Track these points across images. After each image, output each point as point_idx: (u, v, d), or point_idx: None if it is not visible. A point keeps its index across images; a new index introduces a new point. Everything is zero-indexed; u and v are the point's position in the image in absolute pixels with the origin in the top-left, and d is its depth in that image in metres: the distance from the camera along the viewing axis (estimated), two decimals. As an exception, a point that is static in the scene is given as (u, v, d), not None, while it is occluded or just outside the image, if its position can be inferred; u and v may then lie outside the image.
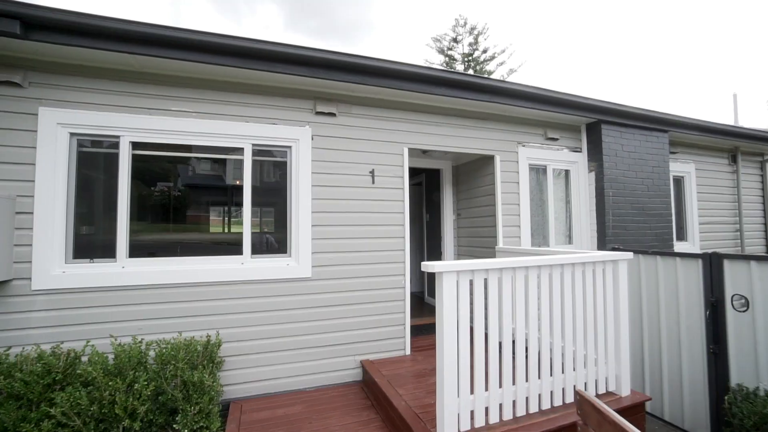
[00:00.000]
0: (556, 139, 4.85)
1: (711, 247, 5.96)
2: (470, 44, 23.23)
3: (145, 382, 2.48)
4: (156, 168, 3.35)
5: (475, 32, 23.03)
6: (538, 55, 46.35)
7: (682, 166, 5.85)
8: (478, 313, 2.34)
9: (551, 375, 2.62)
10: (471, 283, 2.32)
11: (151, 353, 2.80)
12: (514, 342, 2.50)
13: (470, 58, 23.05)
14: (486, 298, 2.38)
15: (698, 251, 5.80)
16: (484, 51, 23.06)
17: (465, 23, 23.11)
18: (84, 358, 2.68)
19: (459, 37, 23.30)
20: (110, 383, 2.39)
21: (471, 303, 2.31)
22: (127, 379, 2.49)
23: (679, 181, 5.94)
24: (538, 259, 2.54)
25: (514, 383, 2.48)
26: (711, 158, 6.17)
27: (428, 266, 2.18)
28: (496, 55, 22.83)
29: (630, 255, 2.89)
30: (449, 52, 23.40)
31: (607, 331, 2.84)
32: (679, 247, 5.56)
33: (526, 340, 2.56)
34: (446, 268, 2.18)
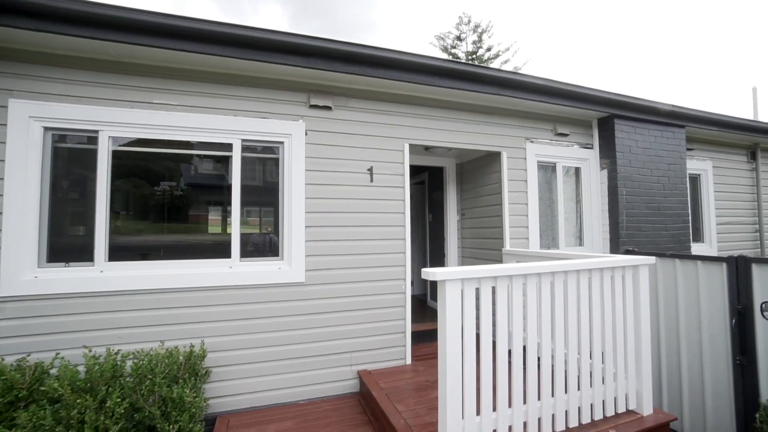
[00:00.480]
0: (566, 135, 4.59)
1: (729, 248, 5.65)
2: (474, 42, 22.94)
3: (119, 399, 2.26)
4: (138, 165, 3.12)
5: (479, 30, 22.73)
6: (544, 52, 45.86)
7: (698, 164, 5.56)
8: (486, 325, 2.09)
9: (566, 392, 2.37)
10: (477, 291, 2.08)
11: (129, 364, 2.58)
12: (524, 355, 2.25)
13: (474, 56, 22.76)
14: (494, 306, 2.13)
15: (715, 253, 5.51)
16: (488, 49, 22.77)
17: (469, 21, 22.82)
18: (54, 371, 2.46)
19: (463, 36, 23.03)
20: (79, 400, 2.17)
21: (477, 310, 2.07)
22: (98, 395, 2.27)
23: (695, 180, 5.65)
24: (551, 265, 2.28)
25: (525, 402, 2.23)
26: (729, 155, 5.86)
27: (430, 274, 1.93)
28: (500, 53, 22.54)
29: (652, 260, 2.63)
30: (453, 51, 23.13)
31: (627, 343, 2.58)
32: (695, 248, 5.27)
33: (539, 355, 2.30)
34: (450, 275, 1.93)
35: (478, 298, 2.08)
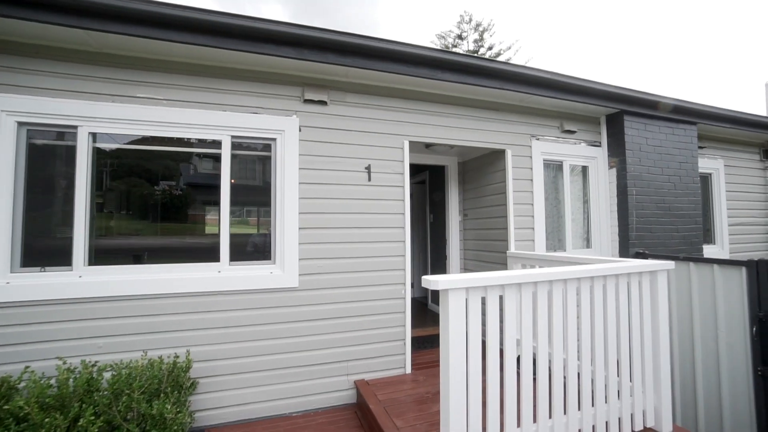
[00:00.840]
0: (573, 132, 4.39)
1: (741, 250, 5.45)
2: (475, 41, 22.77)
3: (92, 417, 2.07)
4: (122, 163, 2.93)
5: (481, 29, 22.57)
6: (546, 51, 45.65)
7: (709, 162, 5.36)
8: (492, 338, 1.91)
9: (579, 409, 2.18)
10: (483, 300, 1.89)
11: (107, 376, 2.39)
12: (534, 368, 2.06)
13: (476, 55, 22.58)
14: (501, 312, 1.95)
15: (727, 255, 5.32)
16: (490, 48, 22.60)
17: (470, 20, 22.65)
18: (24, 385, 2.27)
19: (464, 34, 22.86)
20: (47, 419, 1.98)
21: (484, 316, 1.89)
22: (71, 412, 2.08)
23: (706, 179, 5.44)
24: (563, 272, 2.09)
25: (534, 421, 2.05)
26: (741, 154, 5.66)
27: (431, 282, 1.75)
28: (502, 51, 22.37)
29: (671, 264, 2.44)
30: (454, 50, 22.93)
31: (644, 355, 2.39)
32: (706, 251, 5.07)
33: (549, 367, 2.12)
34: (453, 284, 1.74)
35: (484, 304, 1.90)
